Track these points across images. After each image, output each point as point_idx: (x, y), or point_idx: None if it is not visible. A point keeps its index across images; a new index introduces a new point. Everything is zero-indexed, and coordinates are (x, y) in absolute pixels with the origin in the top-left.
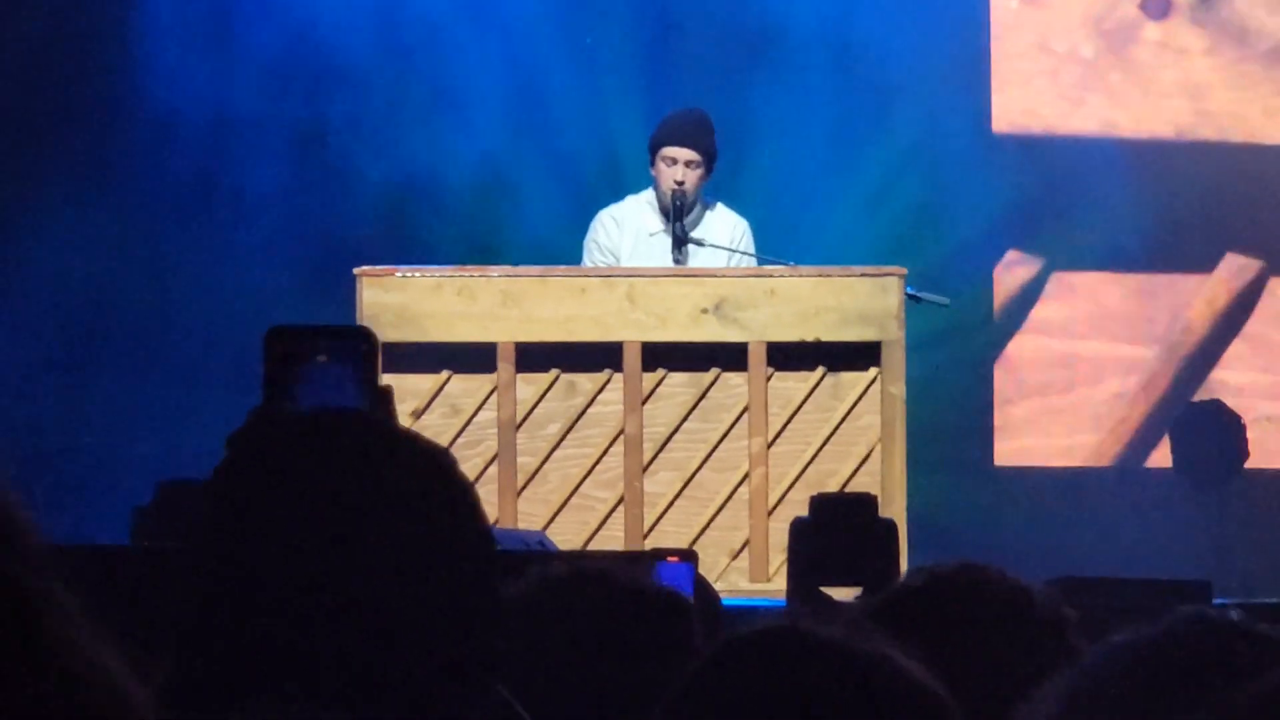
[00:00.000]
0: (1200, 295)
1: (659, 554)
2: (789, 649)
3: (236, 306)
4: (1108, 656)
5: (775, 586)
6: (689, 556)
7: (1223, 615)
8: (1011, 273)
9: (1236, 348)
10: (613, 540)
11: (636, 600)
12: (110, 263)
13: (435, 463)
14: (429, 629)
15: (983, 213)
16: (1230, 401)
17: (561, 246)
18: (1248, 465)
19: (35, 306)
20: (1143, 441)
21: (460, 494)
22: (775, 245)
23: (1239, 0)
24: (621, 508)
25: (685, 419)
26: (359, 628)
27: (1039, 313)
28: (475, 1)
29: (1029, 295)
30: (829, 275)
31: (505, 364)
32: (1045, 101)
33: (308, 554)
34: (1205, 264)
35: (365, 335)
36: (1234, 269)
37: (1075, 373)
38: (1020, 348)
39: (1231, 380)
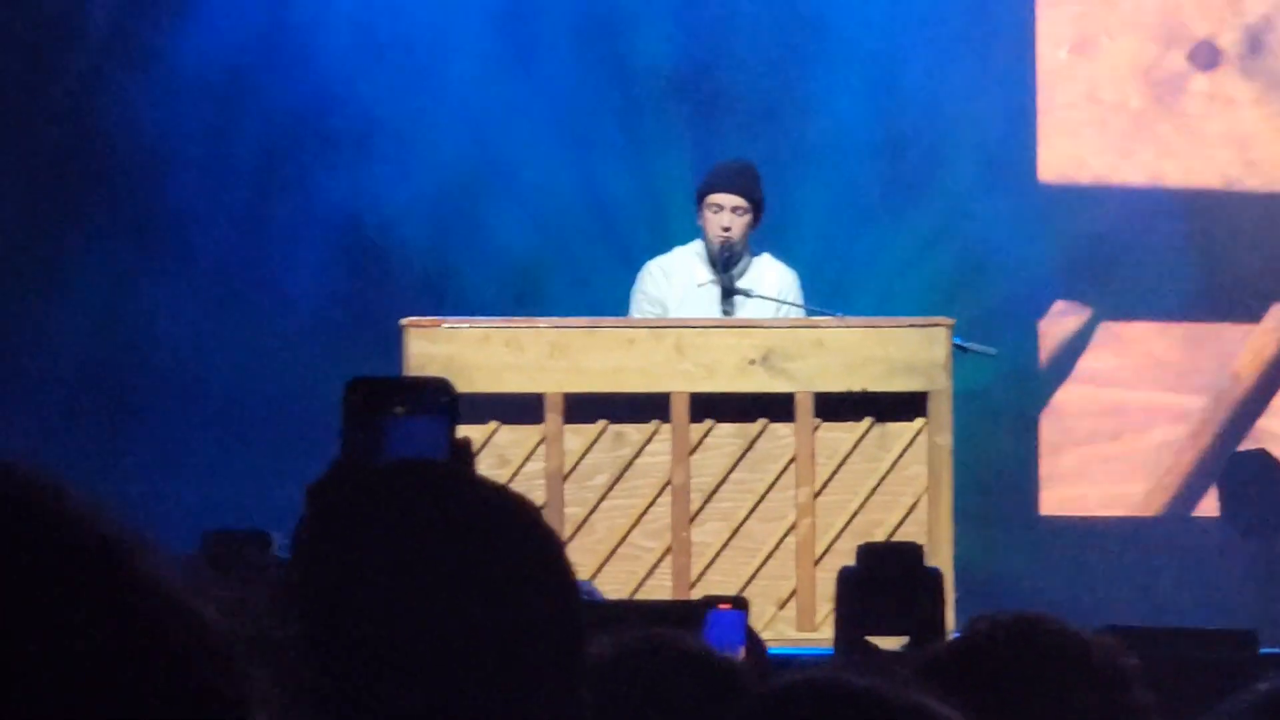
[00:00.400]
0: (1248, 344)
1: (711, 602)
2: (832, 700)
3: (280, 356)
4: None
5: (822, 635)
6: (740, 604)
7: None
8: (1059, 323)
9: None
10: (660, 589)
11: (692, 668)
12: (148, 313)
13: (522, 514)
14: (516, 682)
15: (1030, 263)
16: (1277, 451)
17: (608, 298)
18: None
19: (73, 354)
20: (1190, 490)
21: (548, 546)
22: (823, 296)
23: None
24: (669, 557)
25: (733, 469)
26: (446, 682)
27: (1086, 362)
28: (518, 54)
29: (1076, 344)
30: (876, 326)
31: (553, 415)
32: (1093, 152)
33: (395, 607)
34: (1253, 313)
35: (445, 387)
36: None
37: (1123, 422)
38: (1067, 397)
39: (1279, 429)
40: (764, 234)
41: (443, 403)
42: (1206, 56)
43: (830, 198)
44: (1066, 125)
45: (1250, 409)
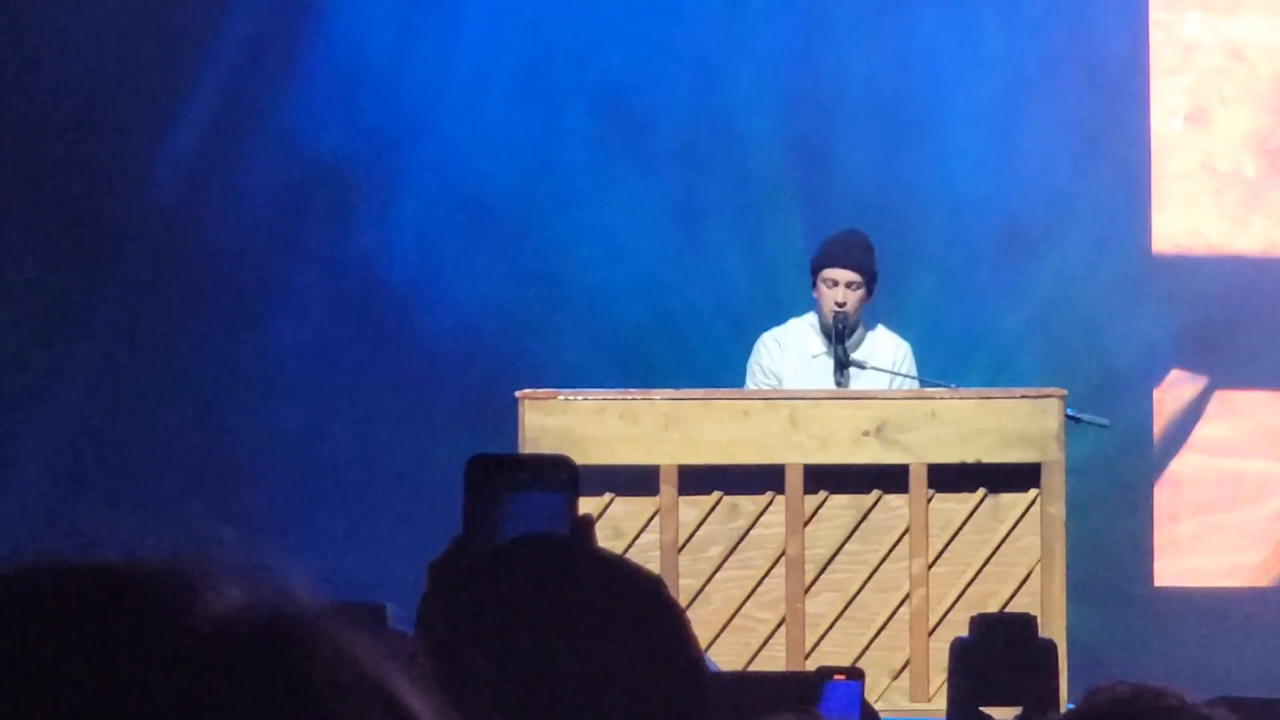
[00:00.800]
0: None
1: (827, 673)
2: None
3: (398, 429)
4: None
5: (935, 706)
6: (856, 675)
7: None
8: (1173, 393)
9: None
10: (774, 661)
11: None
12: (262, 386)
13: (646, 588)
14: None
15: (1143, 333)
16: None
17: (718, 369)
18: None
19: (190, 425)
20: None
21: (672, 619)
22: (937, 367)
23: None
24: (783, 628)
25: (846, 540)
26: None
27: (1201, 431)
28: (628, 129)
29: (1191, 414)
30: (990, 397)
31: (668, 487)
32: (1208, 221)
33: (520, 682)
34: None
35: (566, 464)
36: None
37: (1238, 491)
38: (1182, 466)
39: None
40: (878, 305)
41: (564, 479)
42: None
43: (944, 269)
44: (1181, 195)
45: None
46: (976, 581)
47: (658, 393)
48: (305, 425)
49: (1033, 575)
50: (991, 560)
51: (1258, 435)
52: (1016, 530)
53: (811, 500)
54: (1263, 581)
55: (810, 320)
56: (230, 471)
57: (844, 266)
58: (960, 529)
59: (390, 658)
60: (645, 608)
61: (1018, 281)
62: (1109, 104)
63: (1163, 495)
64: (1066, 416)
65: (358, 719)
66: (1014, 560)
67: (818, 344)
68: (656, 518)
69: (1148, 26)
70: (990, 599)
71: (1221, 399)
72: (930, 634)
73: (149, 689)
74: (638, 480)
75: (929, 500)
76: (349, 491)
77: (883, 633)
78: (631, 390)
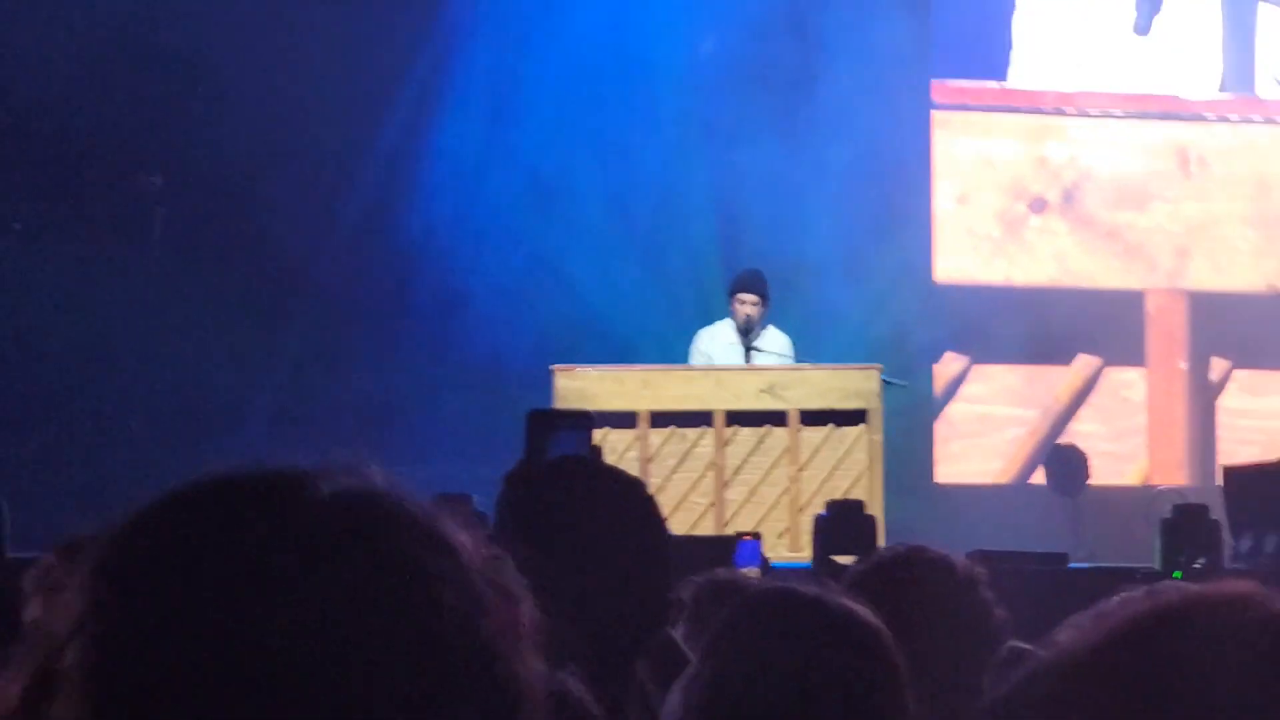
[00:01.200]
0: (1063, 380)
1: (740, 535)
2: (790, 601)
3: (472, 391)
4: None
5: (805, 556)
6: (757, 536)
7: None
8: (947, 367)
9: None
10: (706, 528)
11: (846, 625)
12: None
13: (635, 488)
14: (634, 590)
15: (929, 330)
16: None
17: (676, 352)
18: None
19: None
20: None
21: (651, 508)
22: (805, 350)
23: None
24: (712, 509)
25: (749, 456)
26: (591, 588)
27: (964, 390)
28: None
29: (958, 379)
30: (836, 368)
31: (642, 424)
32: (968, 263)
33: (566, 544)
34: (1066, 360)
35: (588, 415)
36: None
37: (986, 425)
38: (952, 411)
39: (1083, 430)
40: (769, 313)
41: (584, 423)
42: (1039, 204)
43: (809, 292)
44: (952, 247)
45: (1061, 421)
46: (828, 480)
47: (637, 366)
48: (423, 390)
49: (862, 477)
50: (837, 468)
51: (998, 391)
52: (851, 449)
53: (729, 432)
54: (1002, 480)
55: (729, 323)
56: (372, 419)
57: (749, 291)
58: (818, 449)
59: (465, 530)
60: (633, 497)
61: (854, 299)
62: (909, 194)
63: (940, 428)
64: (882, 380)
65: (437, 578)
66: (851, 468)
67: (734, 336)
68: (636, 443)
69: (930, 147)
70: (836, 491)
71: (977, 370)
72: (800, 511)
73: (278, 550)
74: (624, 420)
75: (799, 431)
76: (455, 433)
77: (772, 511)
78: (619, 365)
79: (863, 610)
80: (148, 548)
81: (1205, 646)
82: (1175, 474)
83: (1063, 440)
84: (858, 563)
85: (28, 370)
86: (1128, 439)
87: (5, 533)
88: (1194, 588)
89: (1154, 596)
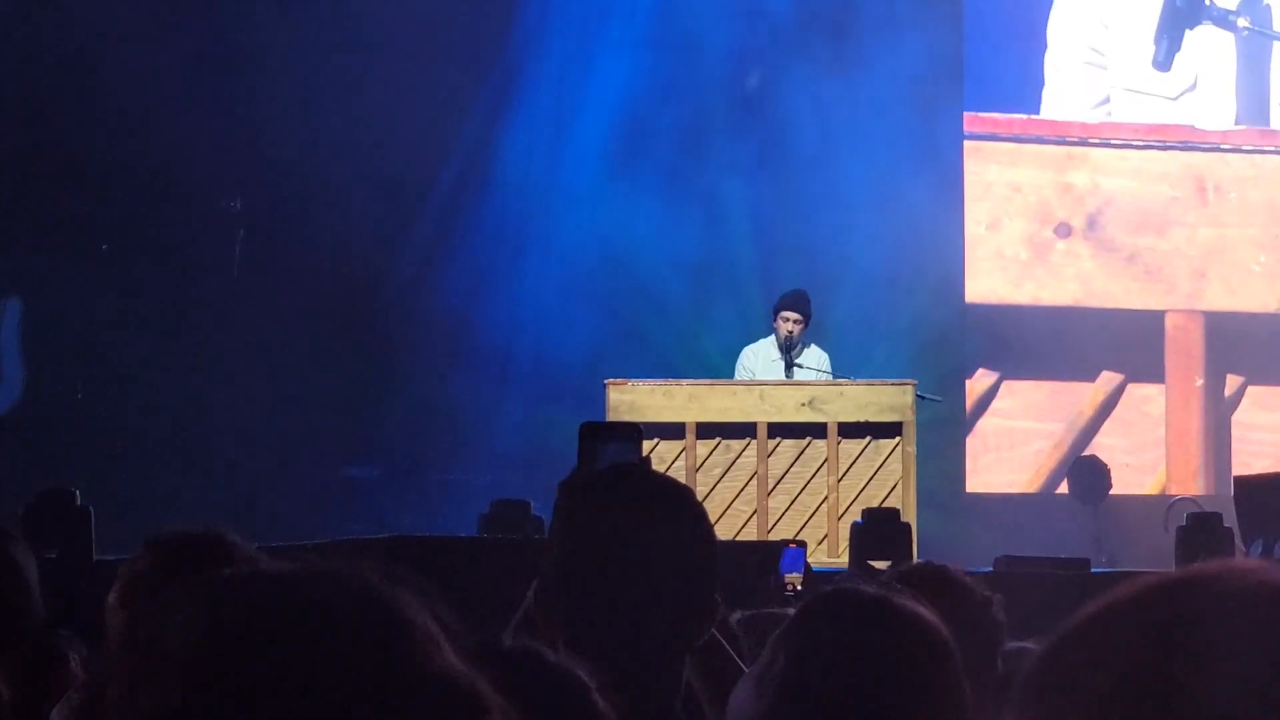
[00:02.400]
0: (1089, 394)
1: (785, 542)
2: (850, 599)
3: (525, 405)
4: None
5: (842, 561)
6: (800, 544)
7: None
8: (978, 382)
9: None
10: (749, 534)
11: (914, 623)
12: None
13: (683, 494)
14: (682, 591)
15: (962, 347)
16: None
17: (724, 367)
18: None
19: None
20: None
21: (699, 512)
22: (844, 366)
23: None
24: (755, 516)
25: (791, 465)
26: (641, 588)
27: (994, 405)
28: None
29: (989, 395)
30: (872, 384)
31: (690, 435)
32: (998, 285)
33: (624, 543)
34: (1091, 376)
35: (636, 428)
36: None
37: (1013, 439)
38: (983, 425)
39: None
40: (811, 331)
41: (634, 435)
42: (1064, 229)
43: (850, 311)
44: (983, 270)
45: (1085, 435)
46: (865, 490)
47: (685, 381)
48: (485, 403)
49: (897, 487)
50: (873, 478)
51: (1026, 407)
52: (888, 461)
53: (771, 443)
54: (1029, 489)
55: (772, 340)
56: (436, 429)
57: (793, 310)
58: (856, 460)
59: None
60: (683, 503)
61: (893, 318)
62: (943, 217)
63: (971, 442)
64: (917, 396)
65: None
66: (886, 478)
67: (776, 353)
68: (683, 453)
69: (963, 174)
70: (873, 500)
71: (1006, 386)
72: (839, 519)
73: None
74: (673, 431)
75: (839, 443)
76: (514, 443)
77: (812, 518)
78: (669, 380)
79: (926, 610)
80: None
81: (1213, 611)
82: (1191, 484)
83: (1086, 453)
84: (885, 574)
85: (120, 388)
86: (1147, 451)
87: (93, 537)
88: (1204, 564)
89: (1161, 574)
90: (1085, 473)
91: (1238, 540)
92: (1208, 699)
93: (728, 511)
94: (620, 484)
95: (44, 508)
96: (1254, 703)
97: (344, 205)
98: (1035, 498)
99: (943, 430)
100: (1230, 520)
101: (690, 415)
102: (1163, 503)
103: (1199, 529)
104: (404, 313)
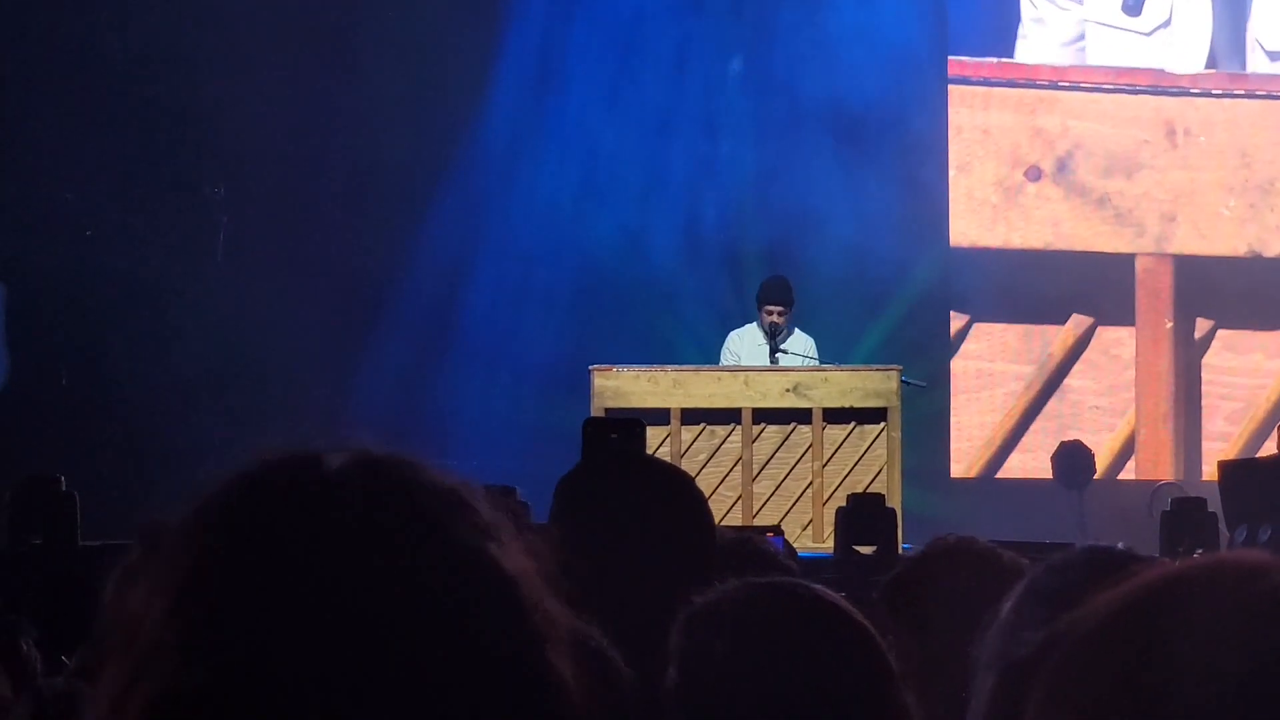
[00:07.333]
0: (1058, 338)
1: (765, 529)
2: (791, 595)
3: (521, 392)
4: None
5: (827, 546)
6: (779, 532)
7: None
8: (953, 323)
9: None
10: (735, 521)
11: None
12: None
13: (683, 481)
14: (683, 561)
15: (944, 286)
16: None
17: (710, 353)
18: None
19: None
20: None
21: (698, 497)
22: (831, 351)
23: None
24: (740, 502)
25: (776, 451)
26: (649, 560)
27: (964, 346)
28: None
29: (959, 335)
30: (857, 370)
31: (675, 420)
32: (973, 226)
33: (617, 527)
34: (1060, 319)
35: (639, 422)
36: None
37: (1000, 394)
38: (953, 367)
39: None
40: (795, 316)
41: (636, 430)
42: (1035, 173)
43: (835, 298)
44: (955, 212)
45: (1056, 377)
46: (850, 475)
47: (670, 367)
48: (489, 388)
49: (882, 472)
50: (858, 463)
51: (997, 349)
52: (873, 446)
53: (756, 429)
54: (1003, 430)
55: (757, 325)
56: (424, 417)
57: (776, 302)
58: (840, 445)
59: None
60: (680, 487)
61: (875, 287)
62: (924, 164)
63: (954, 421)
64: (901, 381)
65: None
66: (871, 463)
67: (761, 339)
68: (668, 438)
69: (948, 118)
70: (858, 485)
71: (977, 328)
72: (824, 504)
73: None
74: (658, 417)
75: (823, 429)
76: (502, 431)
77: (797, 504)
78: (654, 365)
79: (843, 602)
80: (220, 529)
81: (1213, 609)
82: (1160, 427)
83: (1068, 435)
84: (903, 557)
85: (105, 374)
86: (1118, 393)
87: (78, 523)
88: (1203, 558)
89: (1163, 567)
90: (1068, 457)
91: (1222, 525)
92: (1198, 706)
93: (712, 497)
94: (622, 467)
95: (29, 494)
96: (1244, 708)
97: (329, 193)
98: (1020, 483)
99: (926, 415)
100: (1214, 505)
101: (675, 401)
102: (1147, 488)
103: (1183, 514)
104: (388, 299)
